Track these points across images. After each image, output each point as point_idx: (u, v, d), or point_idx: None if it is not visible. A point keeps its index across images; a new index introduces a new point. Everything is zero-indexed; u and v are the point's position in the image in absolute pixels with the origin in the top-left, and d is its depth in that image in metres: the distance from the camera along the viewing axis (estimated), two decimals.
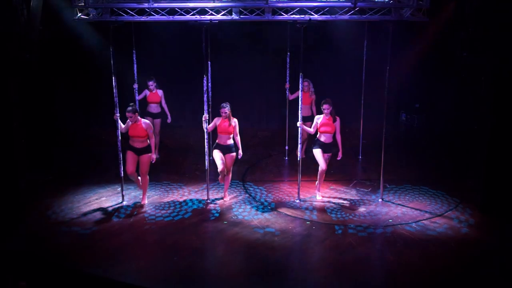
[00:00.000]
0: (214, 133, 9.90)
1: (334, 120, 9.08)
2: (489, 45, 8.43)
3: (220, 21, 8.94)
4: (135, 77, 10.96)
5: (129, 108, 8.69)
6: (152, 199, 9.44)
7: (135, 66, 10.92)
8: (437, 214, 8.91)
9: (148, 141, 8.81)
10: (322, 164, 9.08)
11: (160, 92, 11.11)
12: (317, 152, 9.09)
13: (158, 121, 11.11)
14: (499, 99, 8.61)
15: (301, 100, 9.10)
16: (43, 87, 11.06)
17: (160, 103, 11.12)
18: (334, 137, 9.14)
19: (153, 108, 11.09)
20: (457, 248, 7.86)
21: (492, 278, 7.19)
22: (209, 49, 10.12)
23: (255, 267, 7.37)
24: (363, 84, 11.21)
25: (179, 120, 12.88)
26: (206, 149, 9.12)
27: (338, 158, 9.33)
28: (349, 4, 8.69)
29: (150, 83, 10.98)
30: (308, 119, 10.31)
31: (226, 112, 8.86)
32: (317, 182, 9.35)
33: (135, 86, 10.95)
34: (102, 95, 10.25)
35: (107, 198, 9.40)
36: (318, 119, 9.10)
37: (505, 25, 8.24)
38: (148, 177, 9.06)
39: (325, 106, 9.02)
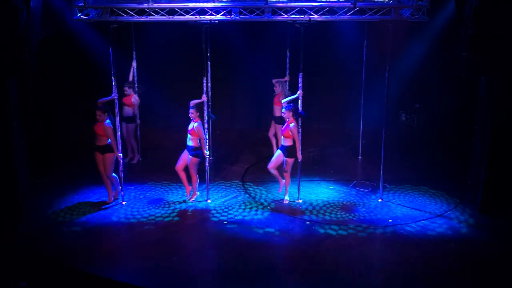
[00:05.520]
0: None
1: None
2: (489, 45, 8.41)
3: (220, 21, 8.94)
4: (135, 77, 10.96)
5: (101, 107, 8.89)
6: (152, 199, 9.45)
7: (134, 66, 10.91)
8: (437, 214, 8.91)
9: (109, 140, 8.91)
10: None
11: (134, 97, 10.96)
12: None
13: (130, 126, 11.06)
14: (499, 99, 8.61)
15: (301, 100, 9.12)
16: (43, 87, 11.06)
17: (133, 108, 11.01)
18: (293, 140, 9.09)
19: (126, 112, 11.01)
20: (457, 248, 7.87)
21: (492, 278, 7.20)
22: (209, 49, 10.12)
23: (254, 267, 7.37)
24: (363, 84, 11.20)
25: (178, 120, 12.88)
26: (206, 149, 9.12)
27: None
28: (349, 4, 8.69)
29: (125, 87, 10.91)
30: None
31: (191, 113, 8.98)
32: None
33: (134, 63, 10.91)
34: (102, 95, 10.26)
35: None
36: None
37: (505, 25, 8.23)
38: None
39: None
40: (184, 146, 9.24)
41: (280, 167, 9.41)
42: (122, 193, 9.27)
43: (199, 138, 9.05)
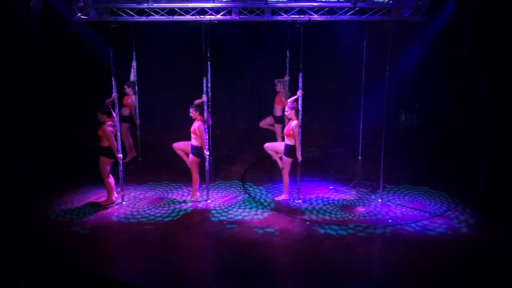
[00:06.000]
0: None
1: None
2: (489, 45, 8.42)
3: (220, 21, 8.94)
4: (135, 77, 10.96)
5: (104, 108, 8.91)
6: (152, 199, 9.45)
7: (134, 66, 10.91)
8: (437, 214, 8.91)
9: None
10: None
11: (131, 98, 10.94)
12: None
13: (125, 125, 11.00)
14: (499, 99, 8.62)
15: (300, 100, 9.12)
16: (43, 87, 11.06)
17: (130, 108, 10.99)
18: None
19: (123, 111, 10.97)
20: (457, 248, 7.86)
21: (492, 278, 7.20)
22: (209, 49, 10.12)
23: (254, 267, 7.37)
24: (363, 84, 11.20)
25: (178, 120, 12.89)
26: (205, 149, 9.12)
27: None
28: (349, 4, 8.68)
29: (125, 86, 10.90)
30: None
31: (191, 113, 9.08)
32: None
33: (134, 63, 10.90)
34: (102, 95, 10.28)
35: None
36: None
37: (505, 25, 8.24)
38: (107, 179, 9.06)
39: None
40: None
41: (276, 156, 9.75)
42: (122, 193, 9.27)
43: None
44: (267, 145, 9.73)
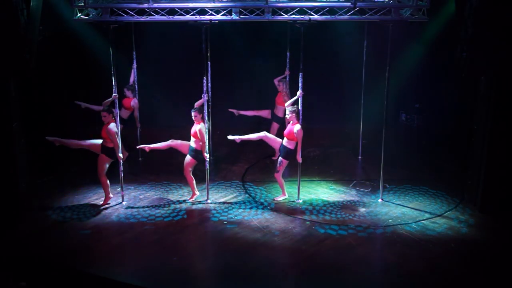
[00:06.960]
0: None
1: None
2: (489, 45, 8.42)
3: (220, 21, 8.94)
4: (135, 79, 10.95)
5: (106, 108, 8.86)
6: (152, 199, 9.45)
7: (134, 67, 10.91)
8: (437, 214, 8.91)
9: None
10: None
11: (134, 100, 10.93)
12: None
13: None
14: (499, 99, 8.61)
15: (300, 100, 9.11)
16: (43, 87, 11.05)
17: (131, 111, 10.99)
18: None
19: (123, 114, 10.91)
20: (457, 248, 7.87)
21: (492, 278, 7.20)
22: (209, 49, 10.12)
23: (255, 267, 7.38)
24: (363, 84, 11.20)
25: (178, 121, 12.88)
26: (206, 150, 9.12)
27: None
28: (349, 4, 8.69)
29: (125, 89, 10.87)
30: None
31: (195, 116, 9.03)
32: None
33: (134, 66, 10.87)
34: (102, 95, 10.28)
35: None
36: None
37: (505, 25, 8.24)
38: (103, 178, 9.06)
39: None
40: None
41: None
42: (122, 193, 9.27)
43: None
44: (266, 134, 9.43)
